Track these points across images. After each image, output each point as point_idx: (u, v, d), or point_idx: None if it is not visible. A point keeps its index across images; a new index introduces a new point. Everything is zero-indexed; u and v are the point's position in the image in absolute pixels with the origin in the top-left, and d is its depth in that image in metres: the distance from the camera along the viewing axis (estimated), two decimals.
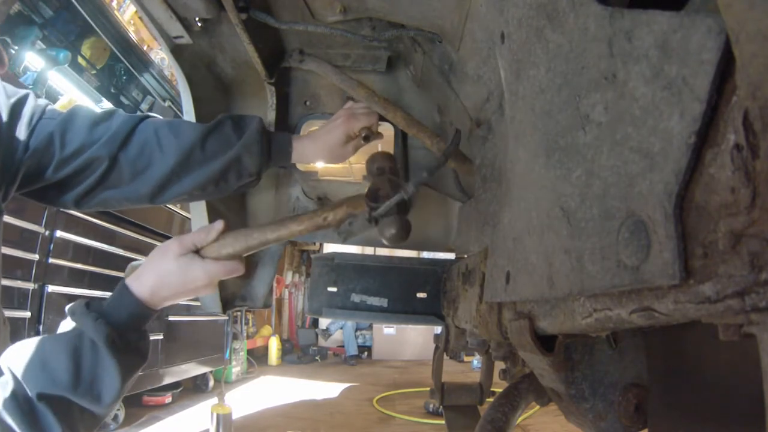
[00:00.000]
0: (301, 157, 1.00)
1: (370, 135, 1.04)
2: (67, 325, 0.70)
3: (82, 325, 0.68)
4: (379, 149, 1.49)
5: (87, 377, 0.66)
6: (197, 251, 0.79)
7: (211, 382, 4.08)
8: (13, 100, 0.78)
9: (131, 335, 0.73)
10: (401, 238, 0.78)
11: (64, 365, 0.65)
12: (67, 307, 0.72)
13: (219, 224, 0.81)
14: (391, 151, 1.25)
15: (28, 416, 0.61)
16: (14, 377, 0.62)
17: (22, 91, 0.81)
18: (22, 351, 0.66)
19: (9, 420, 0.59)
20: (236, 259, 0.81)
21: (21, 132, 0.78)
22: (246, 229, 0.83)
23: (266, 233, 0.82)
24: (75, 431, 0.66)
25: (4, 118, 0.76)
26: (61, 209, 2.05)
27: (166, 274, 0.75)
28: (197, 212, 1.20)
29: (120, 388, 0.69)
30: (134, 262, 0.81)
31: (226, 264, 0.79)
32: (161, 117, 0.94)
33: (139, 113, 0.93)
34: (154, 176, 0.86)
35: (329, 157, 1.02)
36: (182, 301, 0.82)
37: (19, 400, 0.61)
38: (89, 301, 0.72)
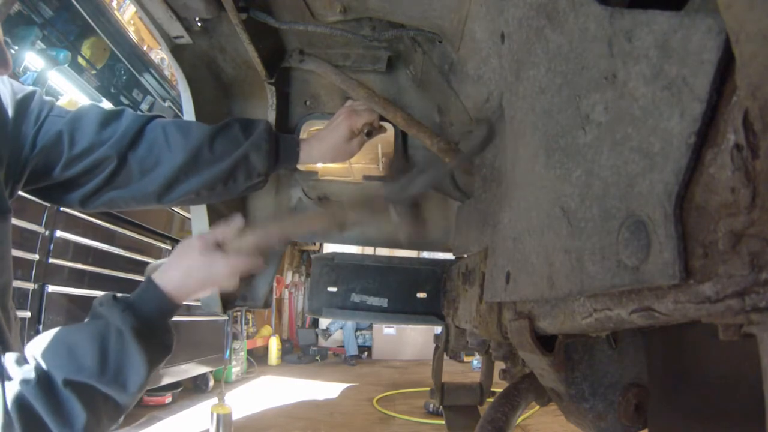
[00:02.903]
0: (308, 157, 1.00)
1: (372, 131, 1.04)
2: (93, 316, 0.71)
3: (109, 314, 0.69)
4: (379, 147, 1.49)
5: (113, 365, 0.67)
6: (218, 246, 0.81)
7: (211, 382, 4.08)
8: (19, 96, 0.78)
9: (157, 327, 0.74)
10: (414, 235, 0.85)
11: (90, 352, 0.66)
12: (94, 300, 0.73)
13: (239, 220, 0.84)
14: (391, 150, 1.25)
15: (54, 402, 0.61)
16: (40, 365, 0.63)
17: (29, 88, 0.81)
18: (48, 340, 0.66)
19: (35, 406, 0.60)
20: (258, 252, 0.84)
21: (28, 129, 0.78)
22: (265, 223, 0.86)
23: (285, 227, 0.86)
24: (99, 419, 0.66)
25: (11, 114, 0.76)
26: (63, 209, 2.05)
27: (191, 269, 0.78)
28: (197, 212, 1.20)
29: (145, 377, 0.70)
30: (154, 263, 0.84)
31: (248, 257, 0.82)
32: (167, 117, 0.94)
33: (147, 113, 0.93)
34: (162, 175, 0.86)
35: (335, 155, 1.02)
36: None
37: (44, 387, 0.61)
38: (115, 295, 0.73)
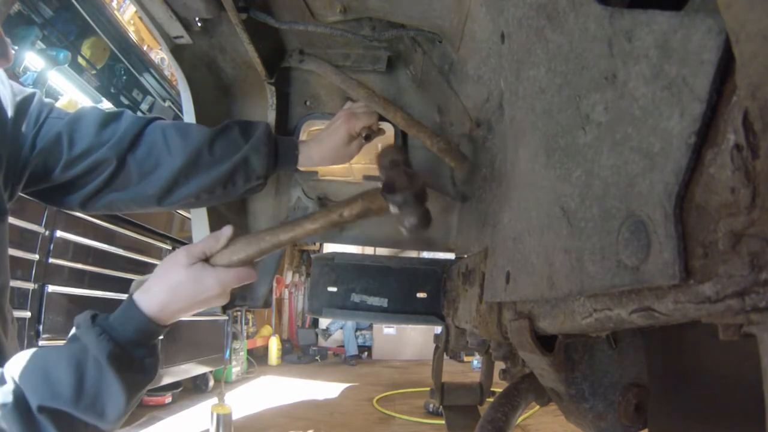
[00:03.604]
0: (306, 160, 1.00)
1: (371, 134, 1.04)
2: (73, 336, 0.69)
3: (86, 339, 0.66)
4: (379, 147, 1.49)
5: (90, 392, 0.64)
6: (207, 260, 0.76)
7: (211, 382, 4.08)
8: (19, 98, 0.78)
9: (138, 352, 0.70)
10: (423, 227, 0.77)
11: (66, 379, 0.63)
12: (75, 318, 0.70)
13: (228, 230, 0.77)
14: None
15: (29, 428, 0.60)
16: (17, 387, 0.61)
17: (29, 90, 0.81)
18: (26, 361, 0.64)
19: (9, 430, 0.59)
20: (248, 264, 0.78)
21: (27, 131, 0.78)
22: (257, 232, 0.79)
23: (279, 234, 0.78)
24: None
25: (10, 115, 0.75)
26: (63, 210, 2.05)
27: (176, 286, 0.72)
28: (198, 213, 1.20)
29: (125, 405, 0.67)
30: (139, 278, 0.77)
31: (238, 271, 0.76)
32: (167, 118, 0.94)
33: (147, 115, 0.93)
34: (161, 177, 0.86)
35: (334, 158, 1.02)
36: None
37: (20, 411, 0.60)
38: (96, 314, 0.69)
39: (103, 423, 0.66)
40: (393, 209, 0.79)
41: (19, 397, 0.61)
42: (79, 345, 0.66)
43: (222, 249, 0.76)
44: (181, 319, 0.76)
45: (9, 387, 0.61)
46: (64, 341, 0.69)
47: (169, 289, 0.72)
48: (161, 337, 0.75)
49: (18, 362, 0.64)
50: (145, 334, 0.70)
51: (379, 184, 0.81)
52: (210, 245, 0.76)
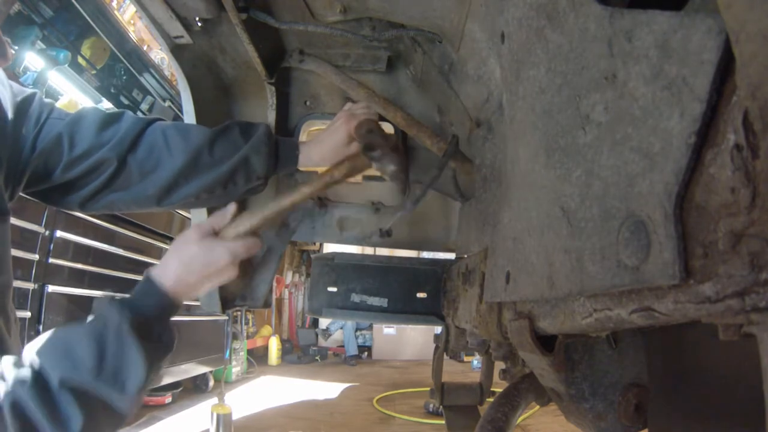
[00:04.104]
0: (307, 160, 1.00)
1: None
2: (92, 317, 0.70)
3: (106, 313, 0.68)
4: None
5: (111, 363, 0.65)
6: (216, 234, 0.81)
7: (211, 382, 4.08)
8: (19, 98, 0.78)
9: (156, 325, 0.72)
10: (402, 171, 0.88)
11: (87, 351, 0.64)
12: (93, 301, 0.71)
13: (232, 206, 0.84)
14: None
15: (49, 404, 0.60)
16: (36, 366, 0.62)
17: (29, 90, 0.81)
18: (45, 340, 0.65)
19: (30, 407, 0.59)
20: (254, 235, 0.84)
21: (28, 131, 0.78)
22: (259, 206, 0.86)
23: (279, 201, 0.86)
24: (96, 424, 0.64)
25: (11, 116, 0.75)
26: (63, 210, 2.05)
27: (190, 259, 0.76)
28: (197, 213, 1.21)
29: (145, 377, 0.68)
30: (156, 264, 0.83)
31: (246, 240, 0.81)
32: (167, 118, 0.94)
33: (147, 115, 0.93)
34: (161, 177, 0.86)
35: (334, 158, 1.02)
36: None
37: (39, 388, 0.60)
38: (114, 296, 0.72)
39: (122, 396, 0.67)
40: (375, 164, 0.89)
41: (39, 375, 0.61)
42: (100, 320, 0.68)
43: (228, 224, 0.82)
44: (197, 293, 0.79)
45: (27, 367, 0.62)
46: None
47: (183, 262, 0.76)
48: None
49: (36, 344, 0.65)
50: (163, 307, 0.74)
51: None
52: (217, 221, 0.82)
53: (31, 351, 0.64)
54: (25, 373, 0.61)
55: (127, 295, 0.73)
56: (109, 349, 0.66)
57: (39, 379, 0.61)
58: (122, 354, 0.66)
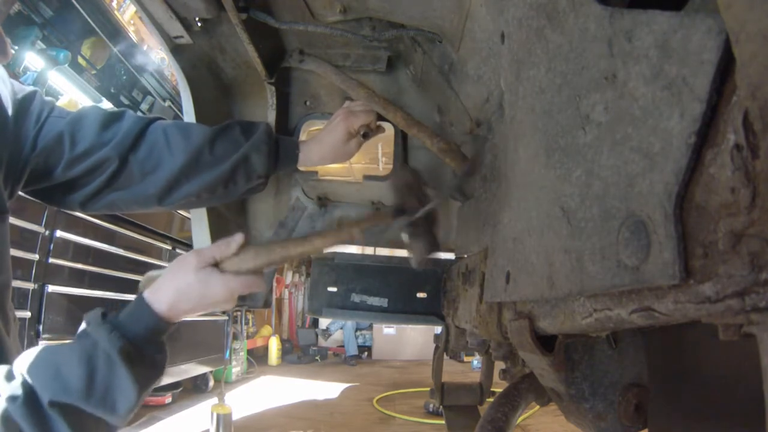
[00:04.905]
0: (306, 159, 1.00)
1: (369, 132, 1.04)
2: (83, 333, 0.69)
3: (97, 335, 0.67)
4: (379, 147, 1.49)
5: (100, 387, 0.65)
6: (216, 265, 0.77)
7: (211, 382, 4.09)
8: (20, 96, 0.78)
9: (147, 348, 0.71)
10: (426, 253, 0.83)
11: (77, 373, 0.63)
12: (84, 316, 0.70)
13: (239, 237, 0.78)
14: (391, 150, 1.25)
15: (40, 423, 0.60)
16: (27, 382, 0.61)
17: (29, 88, 0.81)
18: (35, 357, 0.64)
19: (21, 424, 0.59)
20: (257, 273, 0.79)
21: (28, 130, 0.78)
22: (268, 242, 0.82)
23: (289, 248, 0.80)
24: None
25: (11, 114, 0.75)
26: (63, 209, 2.05)
27: (185, 288, 0.73)
28: (198, 214, 1.20)
29: (135, 400, 0.68)
30: (151, 273, 0.79)
31: (246, 278, 0.77)
32: (168, 117, 0.94)
33: (148, 115, 0.93)
34: (162, 177, 0.86)
35: (334, 156, 1.02)
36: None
37: (30, 406, 0.60)
38: (105, 312, 0.70)
39: (113, 417, 0.67)
40: (403, 237, 0.83)
41: (30, 392, 0.61)
42: (90, 341, 0.67)
43: (232, 255, 0.77)
44: (186, 318, 0.77)
45: (18, 381, 0.61)
46: (69, 340, 0.69)
47: (178, 289, 0.73)
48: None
49: (27, 359, 0.64)
50: (154, 331, 0.72)
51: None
52: (221, 250, 0.77)
53: (22, 365, 0.63)
54: (17, 388, 0.61)
55: (119, 313, 0.71)
56: (99, 372, 0.65)
57: (30, 396, 0.61)
58: (112, 378, 0.66)
